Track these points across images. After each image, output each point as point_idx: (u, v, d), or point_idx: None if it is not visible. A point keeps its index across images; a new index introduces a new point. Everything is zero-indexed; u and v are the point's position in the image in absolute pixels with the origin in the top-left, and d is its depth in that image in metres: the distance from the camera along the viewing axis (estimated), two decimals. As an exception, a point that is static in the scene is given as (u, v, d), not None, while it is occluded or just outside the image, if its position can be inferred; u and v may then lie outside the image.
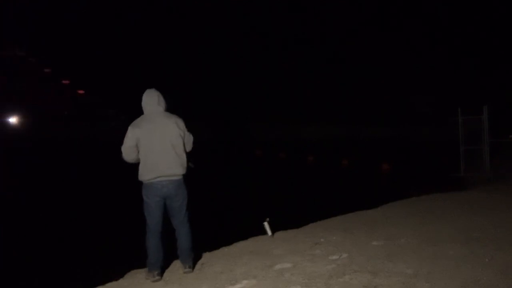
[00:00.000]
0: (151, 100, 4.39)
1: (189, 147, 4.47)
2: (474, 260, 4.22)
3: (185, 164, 4.38)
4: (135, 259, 5.40)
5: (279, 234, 5.77)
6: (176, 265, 4.77)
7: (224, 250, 5.33)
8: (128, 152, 4.32)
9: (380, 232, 5.50)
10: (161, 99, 4.41)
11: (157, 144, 4.26)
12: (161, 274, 4.43)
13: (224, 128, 45.41)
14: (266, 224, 5.67)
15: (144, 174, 4.29)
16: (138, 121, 4.37)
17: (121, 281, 4.60)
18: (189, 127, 4.48)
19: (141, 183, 4.37)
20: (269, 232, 5.65)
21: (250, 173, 20.45)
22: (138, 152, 4.32)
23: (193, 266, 4.51)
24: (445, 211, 6.70)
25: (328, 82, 48.67)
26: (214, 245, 5.42)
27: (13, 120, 54.71)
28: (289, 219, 6.64)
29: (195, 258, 4.64)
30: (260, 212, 6.12)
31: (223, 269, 4.47)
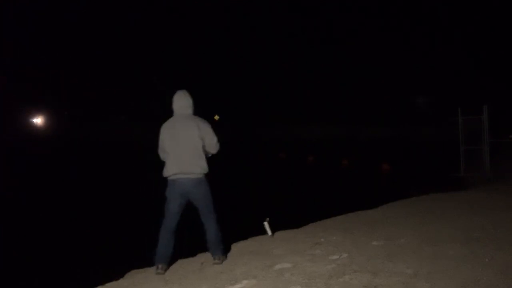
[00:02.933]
0: (179, 103, 4.71)
1: (212, 149, 4.74)
2: (474, 260, 4.21)
3: (204, 165, 4.65)
4: (135, 259, 5.41)
5: (279, 234, 5.77)
6: (177, 265, 4.77)
7: (224, 250, 5.33)
8: (160, 152, 4.72)
9: (380, 232, 5.50)
10: (189, 102, 4.72)
11: (178, 144, 4.57)
12: (165, 269, 4.56)
13: (224, 128, 45.46)
14: (266, 224, 5.68)
15: (166, 171, 4.62)
16: (166, 123, 4.73)
17: (121, 281, 4.60)
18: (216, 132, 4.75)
19: (165, 180, 4.66)
20: (269, 232, 5.65)
21: (250, 173, 20.45)
22: None
23: (222, 259, 4.66)
24: (445, 211, 6.70)
25: (328, 82, 48.68)
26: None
27: (37, 120, 54.63)
28: (289, 219, 6.64)
29: (225, 250, 4.78)
30: (260, 212, 6.12)
31: (223, 269, 4.47)
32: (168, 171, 4.59)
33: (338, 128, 40.98)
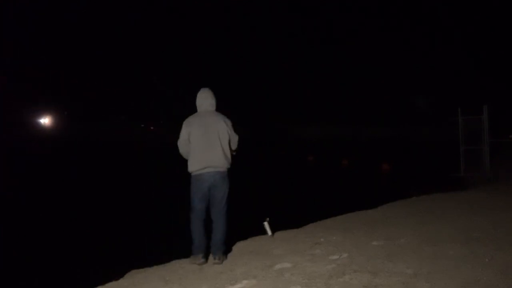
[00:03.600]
0: (205, 100, 4.83)
1: (234, 146, 4.87)
2: (474, 260, 4.21)
3: (230, 159, 4.78)
4: (135, 259, 5.40)
5: (279, 234, 5.77)
6: (176, 265, 4.77)
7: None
8: (182, 145, 4.75)
9: (380, 232, 5.49)
10: (214, 99, 4.86)
11: (206, 138, 4.67)
12: (206, 258, 4.67)
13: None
14: (266, 224, 5.68)
15: (194, 165, 4.67)
16: (191, 117, 4.81)
17: (121, 281, 4.59)
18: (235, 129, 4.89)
19: (188, 175, 4.73)
20: (269, 232, 5.65)
21: (250, 173, 20.44)
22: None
23: (222, 259, 4.68)
24: (445, 211, 6.70)
25: (328, 82, 48.71)
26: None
27: (44, 120, 54.52)
28: (289, 219, 6.64)
29: (225, 251, 4.80)
30: (260, 212, 6.12)
31: (223, 269, 4.47)
32: (197, 165, 4.63)
33: (338, 128, 41.04)
